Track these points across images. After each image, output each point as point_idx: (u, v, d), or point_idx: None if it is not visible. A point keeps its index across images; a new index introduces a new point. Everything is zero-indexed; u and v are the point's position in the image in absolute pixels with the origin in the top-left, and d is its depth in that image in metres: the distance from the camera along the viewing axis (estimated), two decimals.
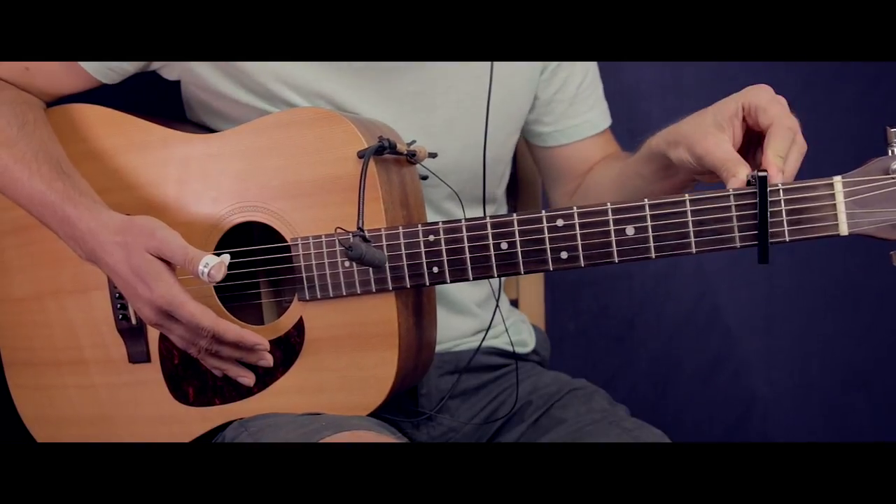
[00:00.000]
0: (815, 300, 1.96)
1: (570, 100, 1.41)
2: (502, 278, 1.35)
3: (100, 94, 1.32)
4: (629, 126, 1.90)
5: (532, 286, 1.66)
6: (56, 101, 1.33)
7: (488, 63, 1.28)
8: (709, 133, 1.11)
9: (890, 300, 1.95)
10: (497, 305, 1.31)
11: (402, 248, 1.14)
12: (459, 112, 1.30)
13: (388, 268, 1.14)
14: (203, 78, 1.27)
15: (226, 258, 1.13)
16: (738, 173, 1.06)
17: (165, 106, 1.38)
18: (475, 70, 1.29)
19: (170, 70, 1.30)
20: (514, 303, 1.65)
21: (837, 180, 1.04)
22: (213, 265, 1.12)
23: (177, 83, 1.34)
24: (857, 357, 1.97)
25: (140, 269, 1.14)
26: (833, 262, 1.93)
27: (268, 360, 1.19)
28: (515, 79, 1.34)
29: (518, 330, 1.46)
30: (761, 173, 1.03)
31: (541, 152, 1.45)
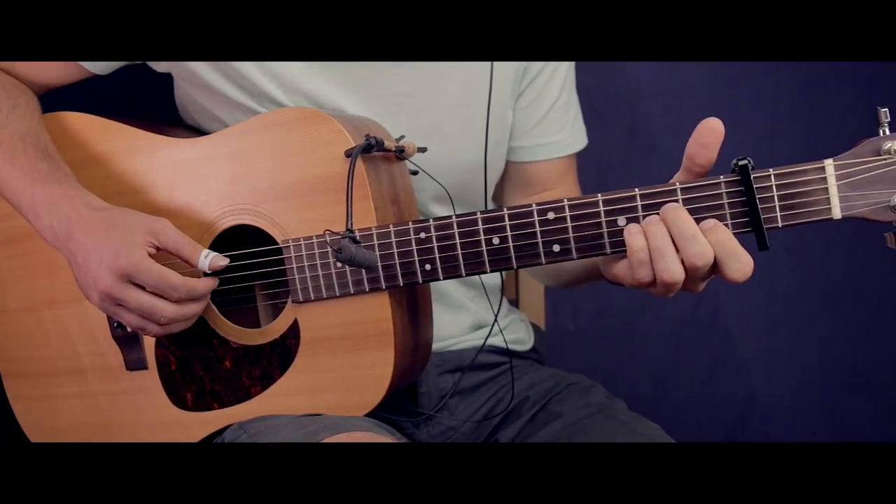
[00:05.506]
0: (815, 300, 1.95)
1: (539, 119, 1.39)
2: (503, 278, 1.35)
3: (94, 92, 1.33)
4: (629, 126, 1.90)
5: (532, 286, 1.66)
6: (46, 94, 1.33)
7: (480, 66, 1.28)
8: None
9: (890, 300, 1.94)
10: (497, 308, 1.31)
11: (394, 246, 1.14)
12: (447, 115, 1.30)
13: (380, 267, 1.14)
14: (190, 69, 1.26)
15: (224, 259, 1.15)
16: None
17: (158, 103, 1.39)
18: (466, 73, 1.29)
19: (159, 62, 1.30)
20: (514, 302, 1.65)
21: (829, 163, 1.02)
22: (214, 255, 1.15)
23: (170, 83, 1.34)
24: (857, 357, 1.97)
25: (117, 239, 1.13)
26: (833, 262, 1.93)
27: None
28: (506, 85, 1.33)
29: (516, 328, 1.45)
30: (742, 161, 1.03)
31: None
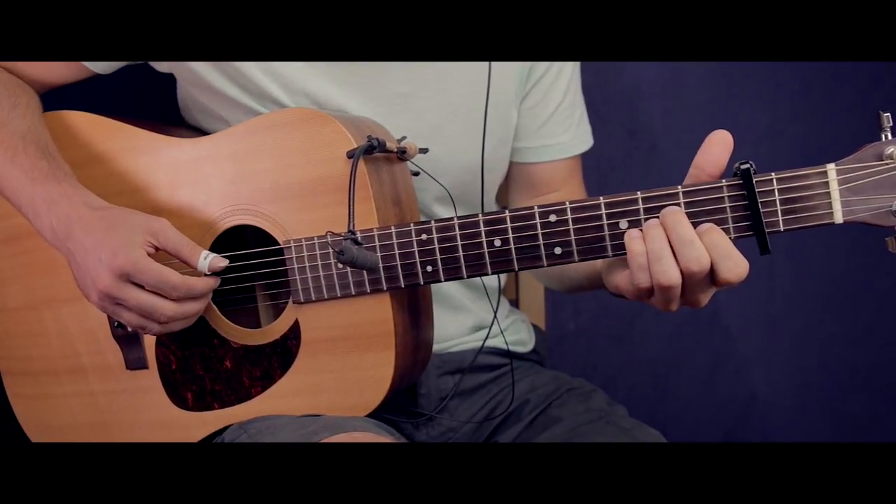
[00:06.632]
0: (815, 300, 1.95)
1: (544, 120, 1.39)
2: (501, 281, 1.35)
3: (95, 91, 1.33)
4: (629, 126, 1.90)
5: (532, 286, 1.65)
6: (47, 93, 1.33)
7: (482, 67, 1.28)
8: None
9: (890, 300, 1.94)
10: (496, 308, 1.31)
11: (396, 247, 1.14)
12: (449, 116, 1.29)
13: (381, 268, 1.14)
14: (193, 70, 1.26)
15: (224, 260, 1.15)
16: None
17: (159, 103, 1.39)
18: (469, 74, 1.29)
19: (161, 63, 1.30)
20: (514, 302, 1.65)
21: (831, 168, 1.02)
22: (214, 256, 1.15)
23: (172, 82, 1.34)
24: (857, 357, 1.97)
25: (116, 238, 1.12)
26: (833, 262, 1.93)
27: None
28: (510, 85, 1.33)
29: (517, 329, 1.45)
30: (744, 165, 1.03)
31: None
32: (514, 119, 1.37)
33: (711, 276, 1.03)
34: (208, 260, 1.16)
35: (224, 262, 1.16)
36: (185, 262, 1.16)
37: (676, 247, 1.03)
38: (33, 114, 1.26)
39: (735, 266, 1.02)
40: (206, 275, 1.17)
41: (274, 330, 1.21)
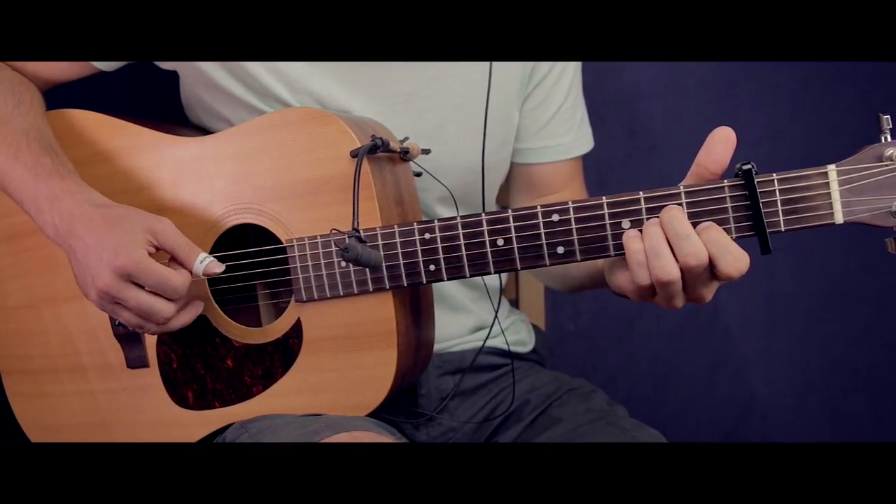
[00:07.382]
0: (815, 300, 1.96)
1: (545, 121, 1.39)
2: (502, 281, 1.35)
3: (99, 89, 1.33)
4: (629, 126, 1.90)
5: (532, 286, 1.66)
6: (51, 91, 1.33)
7: (484, 67, 1.28)
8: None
9: (890, 300, 1.95)
10: (497, 308, 1.31)
11: (399, 246, 1.14)
12: (451, 115, 1.30)
13: (384, 267, 1.14)
14: (197, 67, 1.27)
15: (221, 266, 1.15)
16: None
17: (163, 101, 1.39)
18: (471, 73, 1.29)
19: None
20: (514, 302, 1.65)
21: (831, 168, 1.03)
22: (211, 260, 1.14)
23: (175, 81, 1.35)
24: (857, 357, 1.97)
25: (117, 237, 1.12)
26: (833, 262, 1.93)
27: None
28: (511, 86, 1.33)
29: (517, 329, 1.45)
30: (746, 166, 1.03)
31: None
32: (516, 120, 1.37)
33: (712, 270, 1.04)
34: (204, 263, 1.14)
35: (220, 268, 1.15)
36: (181, 264, 1.15)
37: (673, 242, 1.03)
38: (37, 111, 1.26)
39: (735, 260, 1.03)
40: (201, 278, 1.16)
41: (276, 329, 1.21)
